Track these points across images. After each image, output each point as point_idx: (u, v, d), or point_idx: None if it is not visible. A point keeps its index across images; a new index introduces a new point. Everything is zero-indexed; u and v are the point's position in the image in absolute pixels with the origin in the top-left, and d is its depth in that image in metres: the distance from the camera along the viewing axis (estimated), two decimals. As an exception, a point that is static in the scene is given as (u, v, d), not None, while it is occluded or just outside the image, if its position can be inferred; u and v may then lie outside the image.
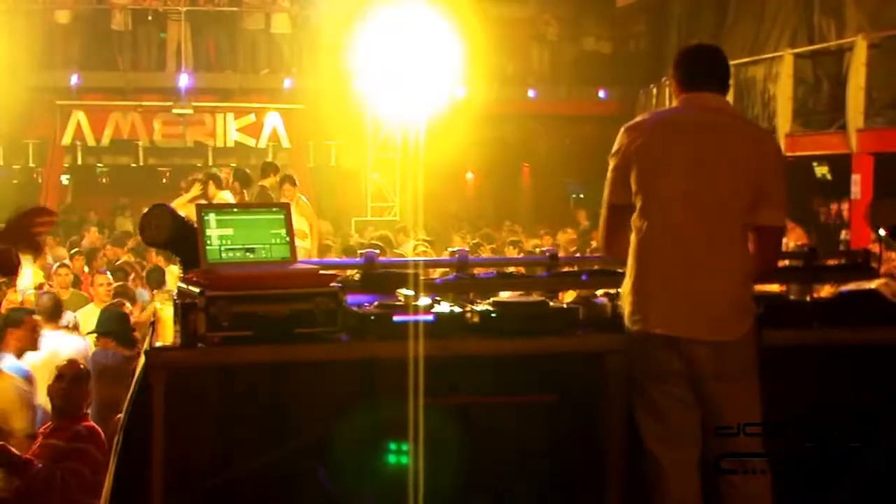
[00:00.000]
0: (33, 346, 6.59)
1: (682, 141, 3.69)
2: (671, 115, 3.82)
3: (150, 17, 17.92)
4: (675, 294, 3.62)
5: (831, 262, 5.28)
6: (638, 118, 3.87)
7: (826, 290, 5.36)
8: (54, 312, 7.60)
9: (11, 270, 4.15)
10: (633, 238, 3.71)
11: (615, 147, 3.75)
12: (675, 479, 3.64)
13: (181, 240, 3.98)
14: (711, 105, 3.78)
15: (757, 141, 3.84)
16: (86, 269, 11.43)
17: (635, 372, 3.72)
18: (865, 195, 12.18)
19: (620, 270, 3.89)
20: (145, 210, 4.02)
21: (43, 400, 6.15)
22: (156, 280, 10.19)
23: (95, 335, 7.40)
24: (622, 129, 3.78)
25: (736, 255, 3.68)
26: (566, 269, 5.15)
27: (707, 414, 3.65)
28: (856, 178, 12.37)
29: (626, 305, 3.72)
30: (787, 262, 4.80)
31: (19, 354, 6.45)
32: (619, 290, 3.84)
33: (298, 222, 10.04)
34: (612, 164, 3.77)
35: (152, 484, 3.57)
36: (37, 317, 6.89)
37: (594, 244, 12.83)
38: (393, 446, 3.73)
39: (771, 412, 3.68)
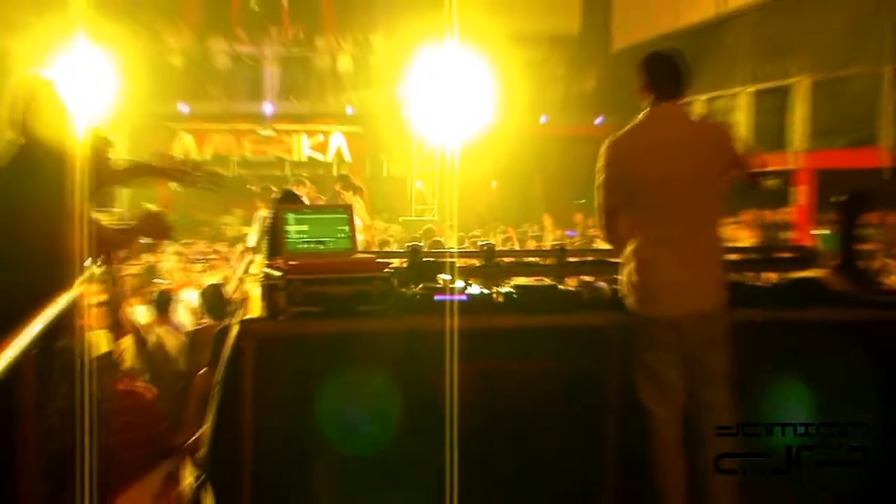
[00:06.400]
0: None
1: (661, 160, 3.62)
2: (647, 136, 3.70)
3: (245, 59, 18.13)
4: (670, 284, 3.58)
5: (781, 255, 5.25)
6: (616, 137, 3.76)
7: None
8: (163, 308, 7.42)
9: (162, 235, 4.13)
10: (629, 236, 3.66)
11: (602, 161, 3.70)
12: (664, 428, 3.62)
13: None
14: (677, 117, 3.72)
15: (713, 136, 3.77)
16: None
17: (637, 345, 3.67)
18: (807, 203, 12.29)
19: (618, 260, 3.84)
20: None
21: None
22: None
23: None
24: (606, 145, 3.71)
25: (715, 242, 3.69)
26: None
27: (693, 372, 3.62)
28: (799, 190, 12.39)
29: (629, 293, 3.67)
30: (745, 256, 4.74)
31: None
32: (618, 276, 3.79)
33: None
34: (601, 175, 3.71)
35: (244, 428, 3.57)
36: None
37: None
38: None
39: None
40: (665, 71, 3.75)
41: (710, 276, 3.62)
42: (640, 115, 3.78)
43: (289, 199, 4.52)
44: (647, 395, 3.64)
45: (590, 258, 5.11)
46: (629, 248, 3.67)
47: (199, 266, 9.64)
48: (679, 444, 3.61)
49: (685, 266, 3.57)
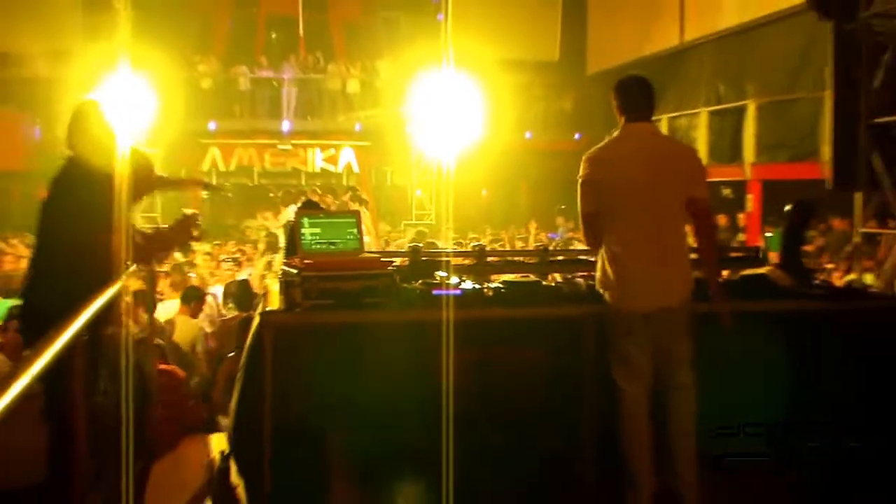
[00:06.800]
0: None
1: (632, 170, 3.58)
2: (621, 150, 3.66)
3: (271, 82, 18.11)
4: (640, 281, 3.56)
5: (734, 254, 5.25)
6: (594, 151, 3.73)
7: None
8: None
9: (189, 238, 4.15)
10: (605, 238, 3.64)
11: (582, 172, 3.66)
12: (633, 404, 3.61)
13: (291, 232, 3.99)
14: (647, 133, 3.70)
15: (681, 154, 3.80)
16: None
17: (611, 332, 3.65)
18: (756, 209, 12.31)
19: (592, 259, 3.83)
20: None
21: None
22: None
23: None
24: (585, 159, 3.68)
25: (681, 245, 3.64)
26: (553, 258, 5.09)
27: (660, 356, 3.61)
28: (749, 198, 12.41)
29: (605, 289, 3.65)
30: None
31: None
32: (595, 273, 3.77)
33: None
34: (581, 184, 3.67)
35: (264, 407, 3.55)
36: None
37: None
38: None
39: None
40: (634, 94, 3.73)
41: (674, 273, 3.60)
42: (615, 133, 3.76)
43: (309, 206, 4.51)
44: (619, 375, 3.62)
45: (569, 257, 5.11)
46: (603, 247, 3.66)
47: (226, 265, 9.61)
48: (646, 418, 3.59)
49: (652, 264, 3.55)
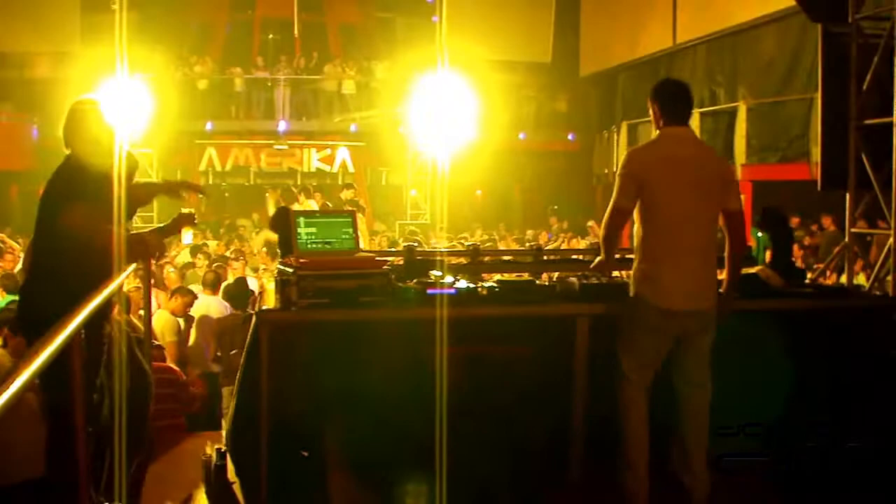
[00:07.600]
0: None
1: (681, 174, 3.56)
2: (667, 152, 3.63)
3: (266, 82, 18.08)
4: (672, 278, 3.53)
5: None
6: (639, 148, 3.74)
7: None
8: (214, 284, 7.57)
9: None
10: (640, 235, 3.60)
11: (625, 168, 3.58)
12: (637, 393, 3.62)
13: (285, 230, 3.98)
14: (685, 138, 3.68)
15: (715, 161, 3.78)
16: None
17: (631, 324, 3.62)
18: (746, 210, 12.27)
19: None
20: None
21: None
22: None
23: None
24: (630, 155, 3.65)
25: (712, 248, 3.63)
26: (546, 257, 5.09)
27: (682, 354, 3.63)
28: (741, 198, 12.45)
29: (637, 282, 3.61)
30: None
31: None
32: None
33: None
34: (622, 178, 3.59)
35: (262, 402, 3.55)
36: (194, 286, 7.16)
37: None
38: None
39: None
40: (675, 99, 3.68)
41: (709, 277, 3.60)
42: (655, 135, 3.72)
43: (285, 213, 4.42)
44: (630, 366, 3.61)
45: (562, 257, 5.11)
46: (639, 245, 3.62)
47: (236, 263, 9.58)
48: (647, 410, 3.60)
49: (693, 267, 3.54)
